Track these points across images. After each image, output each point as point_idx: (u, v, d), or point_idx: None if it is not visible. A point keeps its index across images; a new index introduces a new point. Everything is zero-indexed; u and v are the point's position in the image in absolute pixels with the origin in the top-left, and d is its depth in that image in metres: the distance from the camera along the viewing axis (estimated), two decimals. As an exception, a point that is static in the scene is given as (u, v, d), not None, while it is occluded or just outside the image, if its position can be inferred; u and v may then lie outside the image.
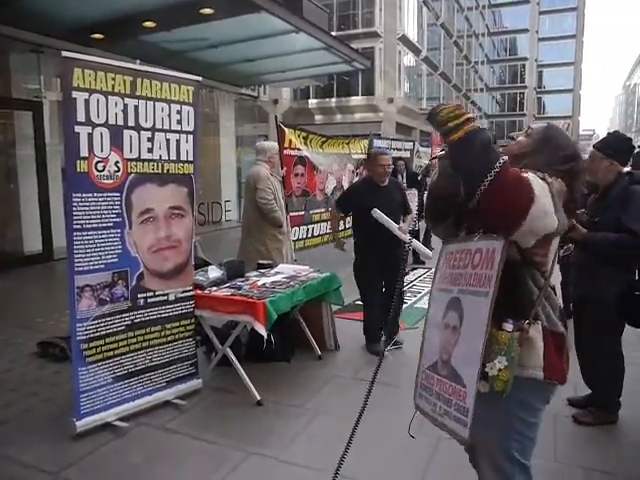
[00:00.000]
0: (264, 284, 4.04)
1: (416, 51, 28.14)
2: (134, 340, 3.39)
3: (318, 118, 26.15)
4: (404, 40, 26.04)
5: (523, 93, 58.03)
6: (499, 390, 1.68)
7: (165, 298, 3.54)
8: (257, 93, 15.88)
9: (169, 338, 3.59)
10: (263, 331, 3.54)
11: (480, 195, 1.61)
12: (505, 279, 1.68)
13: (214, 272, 4.11)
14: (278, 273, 4.45)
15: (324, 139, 7.40)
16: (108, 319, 3.23)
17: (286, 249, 5.79)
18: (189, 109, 3.51)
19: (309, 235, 7.01)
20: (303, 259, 6.38)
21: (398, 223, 4.62)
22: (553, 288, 1.90)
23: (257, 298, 3.63)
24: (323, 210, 7.32)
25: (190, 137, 3.55)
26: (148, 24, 7.88)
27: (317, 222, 7.20)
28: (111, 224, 3.20)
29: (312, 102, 26.28)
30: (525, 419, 1.86)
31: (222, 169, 14.80)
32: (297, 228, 6.68)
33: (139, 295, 3.39)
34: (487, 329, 1.68)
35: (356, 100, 25.83)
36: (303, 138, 6.81)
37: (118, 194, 3.22)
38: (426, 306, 2.13)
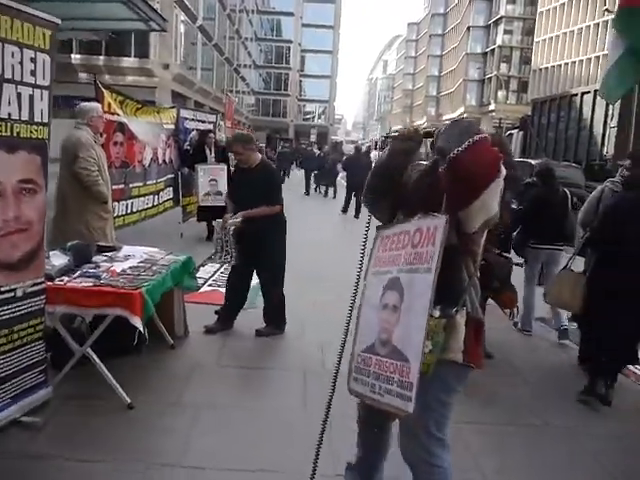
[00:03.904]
0: (123, 270, 3.54)
1: (193, 18, 27.19)
2: (-26, 350, 2.63)
3: (82, 76, 23.24)
4: (181, 4, 24.88)
5: (288, 74, 61.00)
6: (422, 372, 1.76)
7: (12, 294, 2.81)
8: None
9: (17, 343, 2.87)
10: (139, 324, 3.11)
11: (456, 155, 1.73)
12: (440, 265, 1.77)
13: (59, 258, 3.43)
14: (129, 257, 3.93)
15: (139, 105, 6.71)
16: (-59, 327, 2.44)
17: (110, 229, 5.14)
18: (45, 57, 2.79)
19: (129, 211, 6.32)
20: (125, 238, 5.71)
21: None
22: (478, 277, 2.07)
23: (130, 287, 3.16)
24: (141, 184, 6.67)
25: (45, 93, 2.83)
26: None
27: (137, 197, 6.54)
28: (-57, 201, 2.39)
29: (75, 57, 23.27)
30: (443, 400, 2.04)
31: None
32: (116, 203, 5.95)
33: (-21, 293, 2.63)
34: (431, 304, 1.76)
35: (128, 62, 23.77)
36: (120, 102, 6.07)
37: (-49, 161, 2.42)
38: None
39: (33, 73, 2.73)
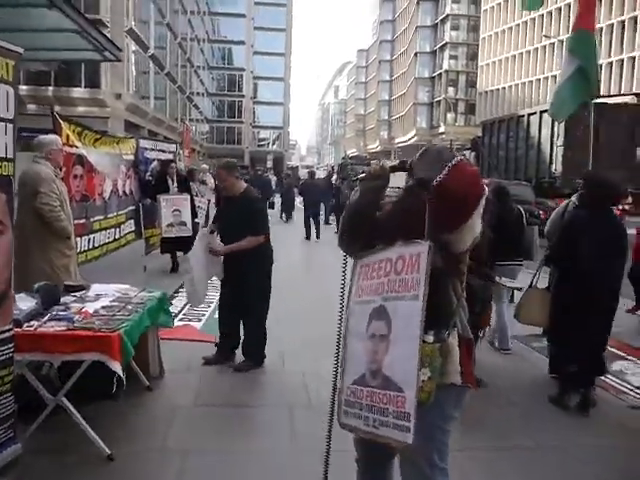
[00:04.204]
0: (96, 311, 3.33)
1: (144, 47, 27.02)
2: (-63, 410, 2.38)
3: (31, 108, 22.59)
4: (132, 34, 24.69)
5: (241, 101, 61.16)
6: (422, 400, 1.73)
7: (-22, 344, 2.59)
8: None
9: (-17, 398, 2.64)
10: (119, 369, 2.91)
11: (440, 181, 1.71)
12: (428, 290, 1.74)
13: (25, 301, 3.19)
14: (100, 296, 3.71)
15: (98, 136, 6.51)
16: None
17: (74, 266, 4.89)
18: (8, 90, 2.63)
19: (91, 246, 6.06)
20: (87, 274, 5.44)
21: (239, 239, 4.27)
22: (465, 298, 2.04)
23: (107, 330, 2.97)
24: (102, 217, 6.43)
25: (10, 127, 2.66)
26: None
27: (98, 230, 6.30)
28: None
29: (22, 88, 22.58)
30: (443, 427, 1.98)
31: None
32: (79, 239, 5.68)
33: (-58, 345, 2.40)
34: (421, 332, 1.72)
35: (79, 92, 23.36)
36: (78, 134, 5.85)
37: None
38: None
39: (-3, 106, 2.57)
